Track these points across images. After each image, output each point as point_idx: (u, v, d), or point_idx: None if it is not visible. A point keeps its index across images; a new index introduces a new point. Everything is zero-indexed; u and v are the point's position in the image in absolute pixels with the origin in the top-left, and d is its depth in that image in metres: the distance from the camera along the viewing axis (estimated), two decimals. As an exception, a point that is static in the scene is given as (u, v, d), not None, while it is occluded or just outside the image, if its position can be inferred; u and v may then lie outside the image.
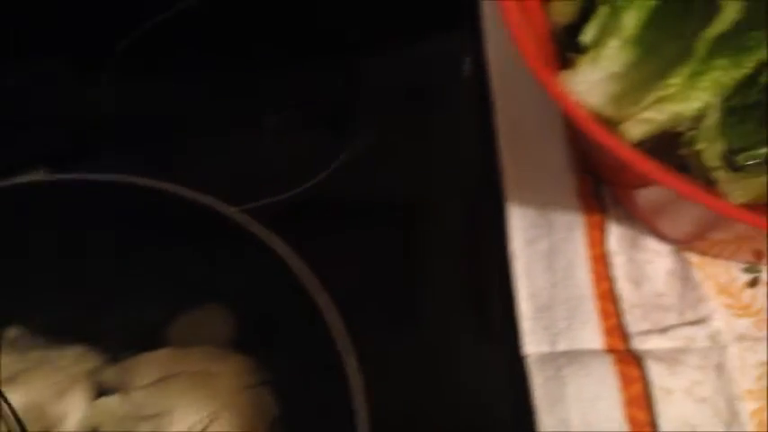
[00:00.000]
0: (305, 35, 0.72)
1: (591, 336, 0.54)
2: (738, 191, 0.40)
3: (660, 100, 0.45)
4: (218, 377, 0.48)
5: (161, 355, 0.50)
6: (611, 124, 0.47)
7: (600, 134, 0.43)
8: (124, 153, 0.64)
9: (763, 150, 0.44)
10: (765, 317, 0.55)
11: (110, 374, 0.50)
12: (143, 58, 0.70)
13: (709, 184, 0.45)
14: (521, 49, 0.44)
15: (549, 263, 0.58)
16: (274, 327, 0.48)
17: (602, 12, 0.47)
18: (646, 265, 0.57)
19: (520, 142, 0.62)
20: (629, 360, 0.52)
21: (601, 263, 0.57)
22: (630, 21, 0.47)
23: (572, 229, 0.58)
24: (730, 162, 0.45)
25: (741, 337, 0.54)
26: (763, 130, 0.46)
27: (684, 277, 0.56)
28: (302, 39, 0.72)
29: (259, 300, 0.47)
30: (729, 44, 0.45)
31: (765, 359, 0.53)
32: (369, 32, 0.72)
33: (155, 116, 0.67)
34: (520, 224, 0.59)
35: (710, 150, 0.45)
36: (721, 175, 0.41)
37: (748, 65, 0.44)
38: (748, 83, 0.46)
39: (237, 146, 0.67)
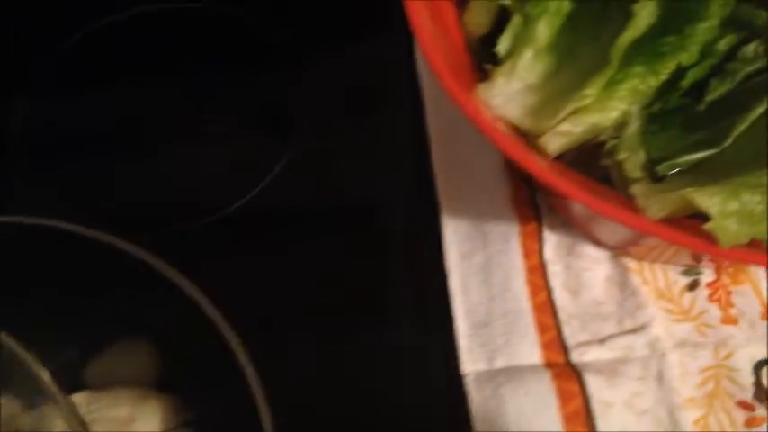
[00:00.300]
0: (240, 42, 0.70)
1: (529, 351, 0.53)
2: (656, 205, 0.38)
3: (577, 111, 0.44)
4: (138, 421, 0.47)
5: (79, 399, 0.48)
6: (530, 137, 0.46)
7: (514, 150, 0.41)
8: (37, 181, 0.62)
9: (684, 159, 0.43)
10: (705, 320, 0.54)
11: (26, 421, 0.48)
12: (64, 73, 0.68)
13: (632, 196, 0.43)
14: (430, 62, 0.43)
15: (485, 276, 0.56)
16: (194, 364, 0.46)
17: (516, 21, 0.46)
18: (583, 272, 0.56)
19: (452, 150, 0.60)
20: (568, 374, 0.51)
21: (538, 273, 0.56)
22: (544, 30, 0.45)
23: (507, 239, 0.57)
24: (652, 173, 0.43)
25: (681, 343, 0.53)
26: (685, 137, 0.44)
27: (623, 283, 0.55)
28: (237, 46, 0.70)
29: (175, 337, 0.45)
30: (645, 51, 0.43)
31: (707, 365, 0.52)
32: (305, 38, 0.70)
33: (72, 138, 0.64)
34: (454, 237, 0.58)
35: (632, 161, 0.43)
36: (641, 189, 0.39)
37: (664, 72, 0.42)
38: (668, 88, 0.44)
39: (171, 162, 0.65)
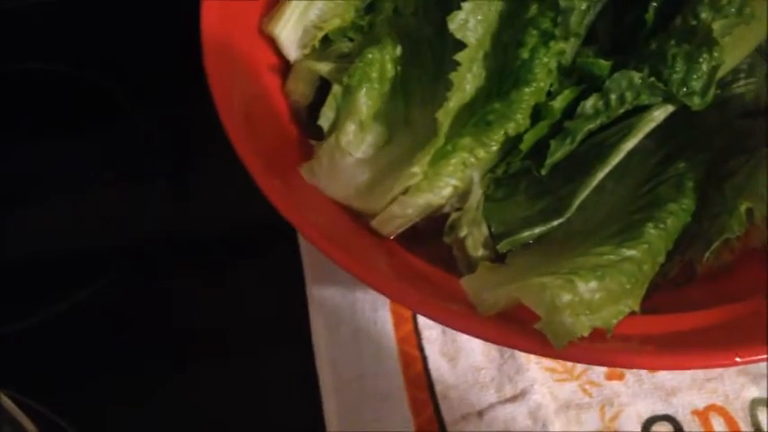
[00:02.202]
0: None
1: (403, 433, 0.49)
2: (488, 302, 0.34)
3: (408, 191, 0.39)
4: None
5: None
6: (366, 216, 0.41)
7: (321, 245, 0.36)
8: None
9: (525, 234, 0.39)
10: (590, 378, 0.50)
11: None
12: None
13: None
14: (234, 142, 0.38)
15: (356, 351, 0.52)
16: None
17: (336, 92, 0.41)
18: (460, 336, 0.52)
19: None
20: (443, 459, 0.47)
21: (410, 343, 0.52)
22: (365, 100, 0.40)
23: (377, 308, 0.53)
24: (494, 250, 0.39)
25: (565, 406, 0.49)
26: (531, 204, 0.41)
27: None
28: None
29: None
30: (477, 119, 0.39)
31: (593, 429, 0.48)
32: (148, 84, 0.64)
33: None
34: (321, 308, 0.53)
35: (473, 237, 0.40)
36: (471, 284, 0.35)
37: (493, 143, 0.38)
38: (510, 150, 0.41)
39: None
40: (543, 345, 0.33)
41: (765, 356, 0.32)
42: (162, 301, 0.56)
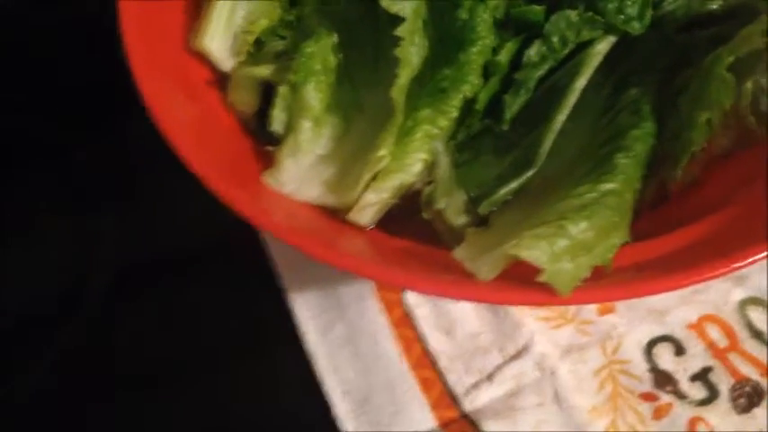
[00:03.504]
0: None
1: (420, 415, 0.49)
2: (485, 267, 0.34)
3: (378, 176, 0.39)
4: None
5: None
6: (340, 213, 0.41)
7: (300, 244, 0.36)
8: None
9: (502, 191, 0.39)
10: (584, 317, 0.51)
11: None
12: None
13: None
14: (197, 170, 0.37)
15: (353, 348, 0.51)
16: None
17: (283, 93, 0.40)
18: (451, 307, 0.52)
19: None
20: (466, 430, 0.47)
21: (405, 325, 0.51)
22: (314, 94, 0.40)
23: (363, 298, 0.52)
24: (475, 216, 0.39)
25: (567, 351, 0.50)
26: (499, 160, 0.41)
27: (494, 306, 0.51)
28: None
29: None
30: (429, 89, 0.39)
31: (598, 366, 0.49)
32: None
33: None
34: (308, 312, 0.52)
35: (452, 207, 0.39)
36: (465, 253, 0.35)
37: (452, 109, 0.38)
38: (467, 113, 0.40)
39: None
40: (551, 295, 0.33)
41: (759, 257, 0.33)
42: (140, 331, 0.54)
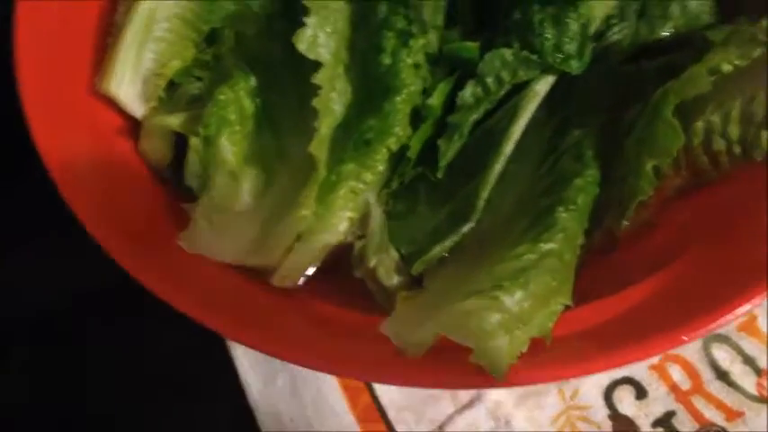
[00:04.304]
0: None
1: (367, 473, 0.46)
2: (412, 345, 0.31)
3: (303, 236, 0.35)
4: None
5: None
6: (263, 273, 0.37)
7: (216, 326, 0.33)
8: None
9: (436, 249, 0.35)
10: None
11: None
12: None
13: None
14: (95, 235, 0.33)
15: (297, 400, 0.48)
16: None
17: (195, 145, 0.37)
18: (400, 352, 0.49)
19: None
20: (415, 488, 0.44)
21: (351, 374, 0.48)
22: (229, 147, 0.36)
23: (307, 346, 0.49)
24: (407, 276, 0.36)
25: (523, 397, 0.47)
26: (435, 213, 0.37)
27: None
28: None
29: None
30: (355, 141, 0.35)
31: (556, 412, 0.46)
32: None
33: None
34: (247, 363, 0.49)
35: (384, 265, 0.36)
36: (393, 327, 0.32)
37: (378, 163, 0.35)
38: (399, 160, 0.37)
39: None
40: (484, 377, 0.30)
41: (708, 328, 0.30)
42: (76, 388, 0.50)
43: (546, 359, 0.31)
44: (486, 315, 0.30)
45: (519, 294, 0.31)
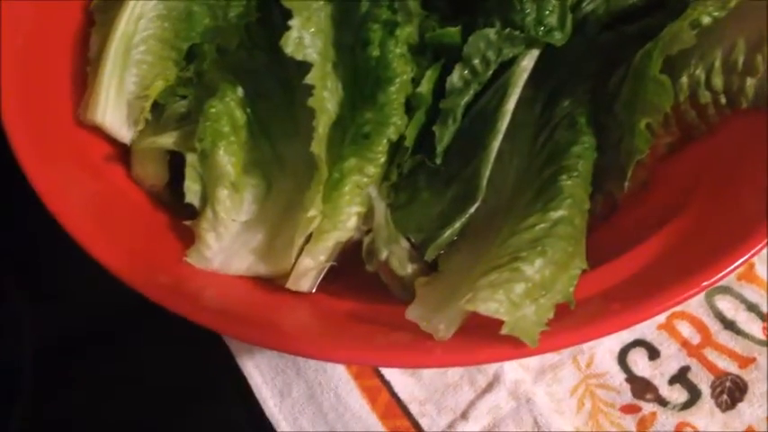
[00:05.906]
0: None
1: (397, 470, 0.46)
2: (442, 325, 0.31)
3: (312, 238, 0.35)
4: None
5: None
6: (277, 280, 0.37)
7: (236, 334, 0.32)
8: None
9: (446, 234, 0.36)
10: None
11: None
12: None
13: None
14: (102, 261, 0.33)
15: (315, 408, 0.48)
16: None
17: (192, 162, 0.36)
18: (413, 347, 0.49)
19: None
20: (446, 479, 0.44)
21: (367, 375, 0.48)
22: (227, 159, 0.36)
23: (319, 353, 0.49)
24: (421, 263, 0.36)
25: (540, 372, 0.47)
26: (439, 198, 0.38)
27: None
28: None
29: None
30: (353, 136, 0.35)
31: (574, 383, 0.47)
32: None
33: None
34: (260, 378, 0.49)
35: (395, 256, 0.36)
36: (417, 312, 0.32)
37: (378, 156, 0.35)
38: (395, 152, 0.37)
39: None
40: (517, 348, 0.30)
41: (728, 271, 0.31)
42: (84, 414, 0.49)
43: (574, 322, 0.31)
44: (510, 286, 0.30)
45: (539, 262, 0.31)
